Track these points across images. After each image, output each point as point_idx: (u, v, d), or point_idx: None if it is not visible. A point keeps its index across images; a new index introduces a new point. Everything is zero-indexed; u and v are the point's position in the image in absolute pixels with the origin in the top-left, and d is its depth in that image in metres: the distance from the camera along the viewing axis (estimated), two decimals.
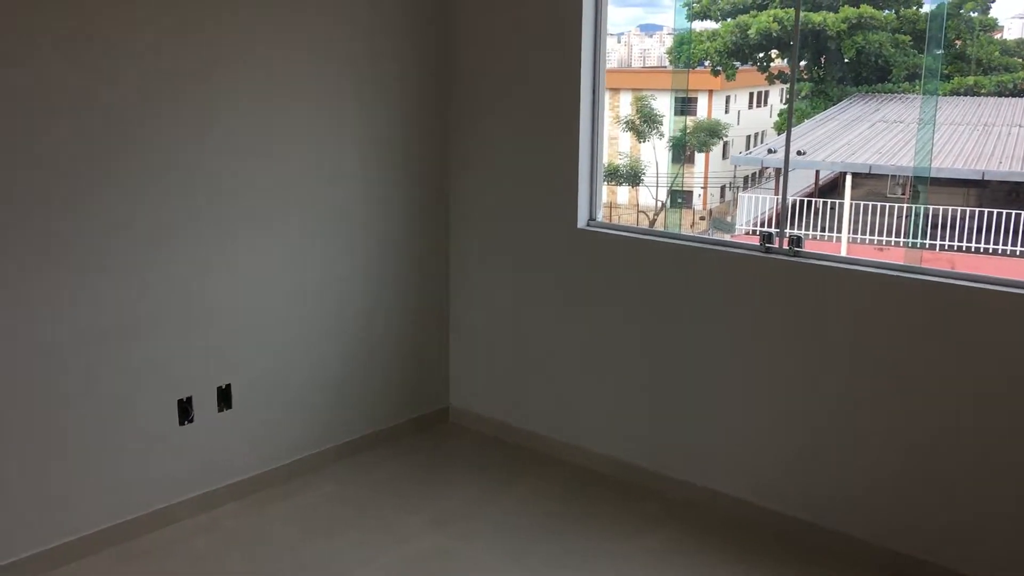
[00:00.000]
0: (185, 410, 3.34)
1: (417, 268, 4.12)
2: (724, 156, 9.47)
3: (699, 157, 9.48)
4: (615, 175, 9.43)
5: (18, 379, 2.90)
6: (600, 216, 3.92)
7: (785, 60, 7.56)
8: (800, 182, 8.52)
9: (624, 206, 9.62)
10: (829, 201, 8.27)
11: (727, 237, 6.87)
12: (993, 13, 7.15)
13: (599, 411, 3.88)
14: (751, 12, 7.61)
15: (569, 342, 3.93)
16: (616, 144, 9.41)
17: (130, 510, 3.24)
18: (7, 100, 2.76)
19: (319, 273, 3.72)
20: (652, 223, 9.05)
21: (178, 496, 3.38)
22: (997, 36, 7.14)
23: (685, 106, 9.13)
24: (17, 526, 2.96)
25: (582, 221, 3.84)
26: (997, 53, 7.09)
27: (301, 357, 3.71)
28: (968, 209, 7.52)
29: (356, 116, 3.75)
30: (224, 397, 3.46)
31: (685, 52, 8.44)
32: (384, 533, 3.37)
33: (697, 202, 9.61)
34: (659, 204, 9.35)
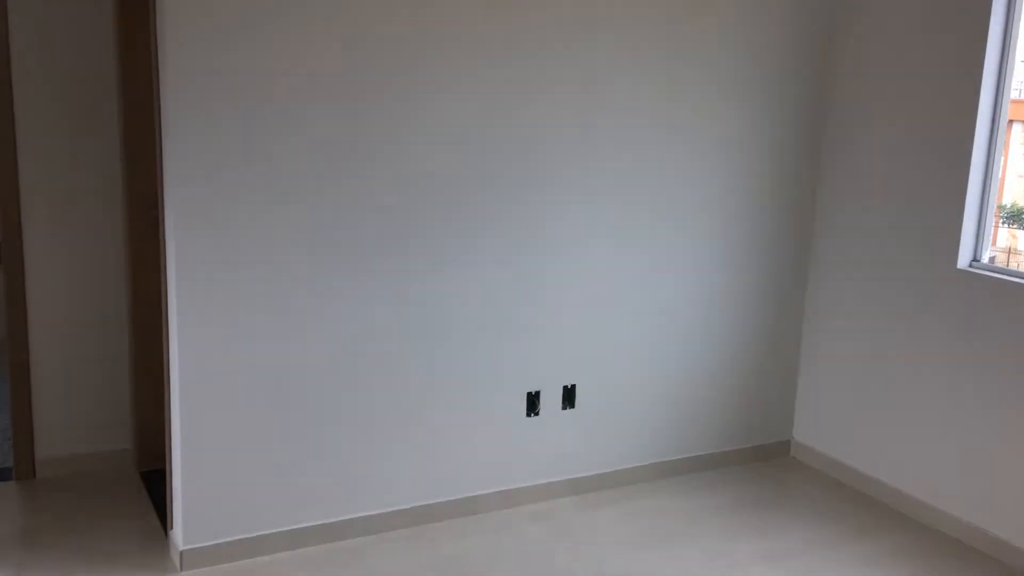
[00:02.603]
0: (532, 403, 3.57)
1: (772, 294, 4.03)
2: None
3: None
4: (1019, 217, 8.40)
5: (399, 357, 3.29)
6: (987, 258, 3.55)
7: None
8: None
9: None
10: None
11: None
12: None
13: (960, 471, 3.51)
14: None
15: (932, 390, 3.60)
16: None
17: (477, 486, 3.53)
18: (401, 120, 3.15)
19: (672, 291, 3.78)
20: None
21: (520, 482, 3.62)
22: None
23: None
24: (381, 487, 3.36)
25: (963, 261, 3.50)
26: None
27: (646, 370, 3.79)
28: None
29: (726, 134, 3.76)
30: (569, 396, 3.64)
31: None
32: (713, 557, 3.33)
33: None
34: None
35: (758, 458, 4.16)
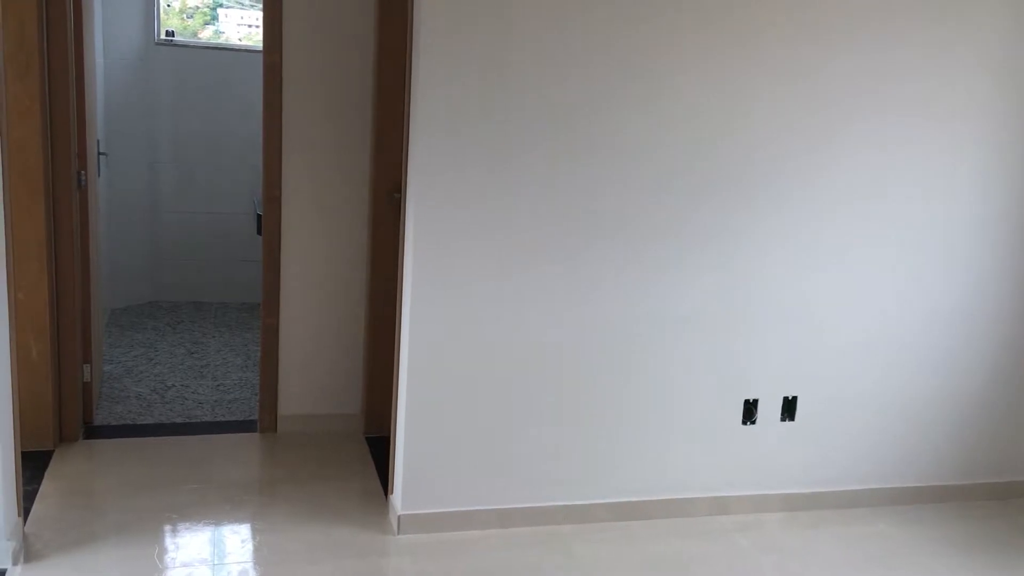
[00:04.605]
0: (750, 411, 3.48)
1: None
2: None
3: None
4: None
5: (622, 352, 3.31)
6: None
7: None
8: None
9: None
10: None
11: None
12: None
13: None
14: None
15: None
16: None
17: (687, 489, 3.49)
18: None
19: (914, 307, 3.54)
20: None
21: (730, 490, 3.53)
22: None
23: None
24: (592, 477, 3.39)
25: None
26: None
27: (876, 389, 3.59)
28: None
29: (985, 139, 3.48)
30: (788, 408, 3.51)
31: None
32: None
33: None
34: None
35: (997, 496, 3.83)
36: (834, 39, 3.24)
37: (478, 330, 3.16)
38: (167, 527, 3.20)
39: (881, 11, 3.25)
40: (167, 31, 5.79)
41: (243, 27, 6.34)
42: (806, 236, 3.38)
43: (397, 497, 3.28)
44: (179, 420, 4.13)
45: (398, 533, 3.24)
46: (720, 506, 3.53)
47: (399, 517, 3.24)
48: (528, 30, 2.98)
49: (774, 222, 3.34)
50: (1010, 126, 3.48)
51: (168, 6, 5.99)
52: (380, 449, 3.87)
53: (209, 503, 3.38)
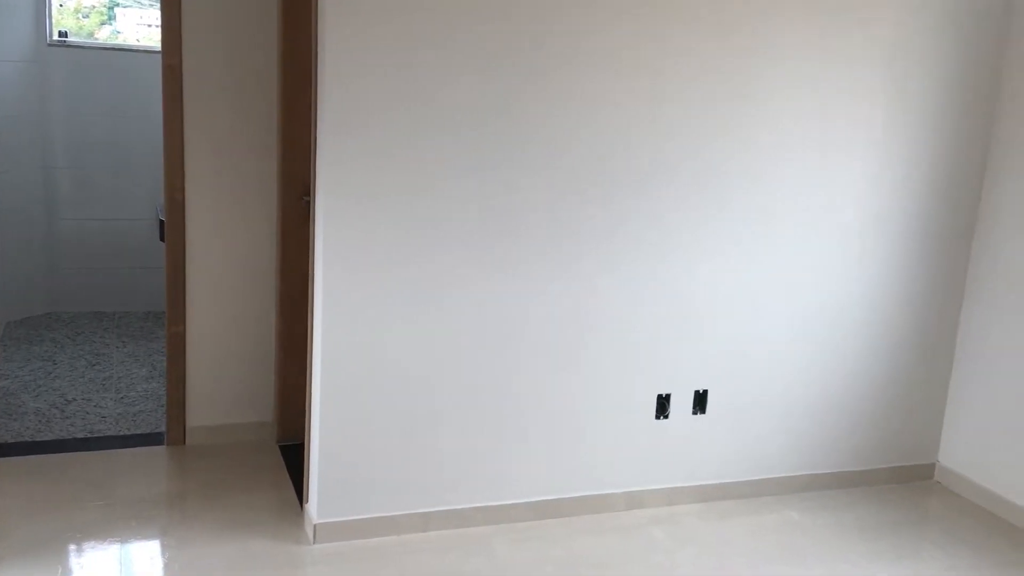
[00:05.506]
0: (663, 406, 3.53)
1: (923, 305, 3.84)
2: None
3: None
4: None
5: (534, 351, 3.32)
6: None
7: None
8: None
9: None
10: None
11: None
12: None
13: None
14: None
15: None
16: None
17: (603, 485, 3.52)
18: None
19: (814, 299, 3.66)
20: None
21: (645, 484, 3.58)
22: None
23: None
24: (509, 478, 3.39)
25: None
26: None
27: (782, 380, 3.69)
28: None
29: (876, 133, 3.61)
30: (700, 401, 3.58)
31: None
32: None
33: None
34: None
35: (898, 480, 3.98)
36: (728, 25, 3.32)
37: (392, 332, 3.12)
38: (71, 547, 3.07)
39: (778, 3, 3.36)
40: (60, 31, 5.57)
41: (143, 27, 6.14)
42: (709, 232, 3.45)
43: (313, 505, 3.22)
44: (81, 435, 3.97)
45: (314, 542, 3.18)
46: (636, 500, 3.57)
47: (315, 526, 3.18)
48: (436, 27, 2.97)
49: (677, 219, 3.40)
50: (899, 123, 3.62)
51: (60, 5, 5.75)
52: (294, 457, 3.80)
53: (115, 521, 3.26)
